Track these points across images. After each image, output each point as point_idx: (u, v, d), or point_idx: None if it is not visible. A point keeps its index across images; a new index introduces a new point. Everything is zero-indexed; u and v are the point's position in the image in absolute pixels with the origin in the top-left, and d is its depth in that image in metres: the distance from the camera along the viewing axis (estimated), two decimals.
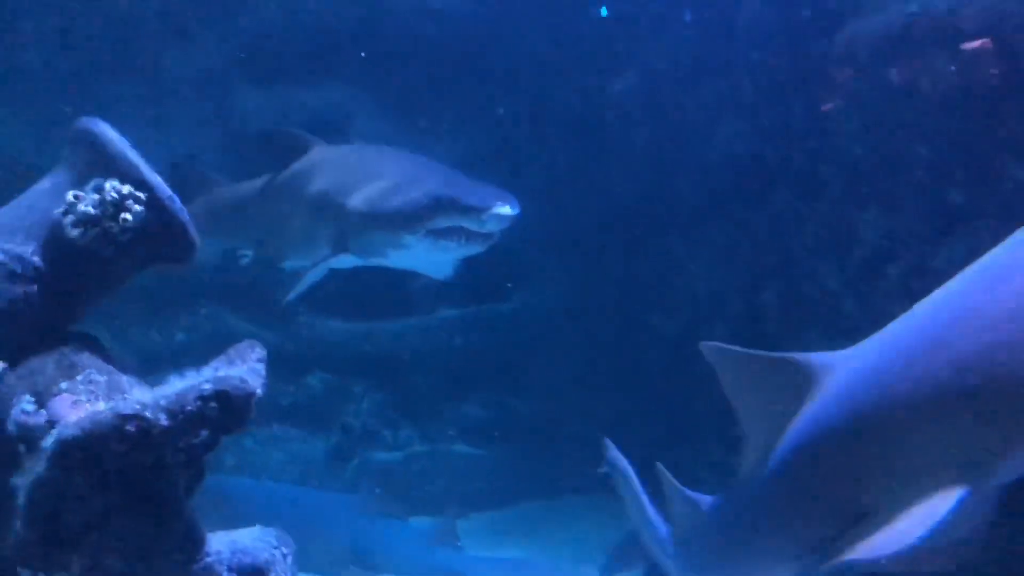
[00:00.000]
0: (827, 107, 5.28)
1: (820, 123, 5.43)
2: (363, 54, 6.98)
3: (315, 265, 5.75)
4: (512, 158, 7.09)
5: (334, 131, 6.93)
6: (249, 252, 6.44)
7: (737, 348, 2.96)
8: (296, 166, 6.04)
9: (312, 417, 6.90)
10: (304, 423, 6.86)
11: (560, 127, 7.01)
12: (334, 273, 7.24)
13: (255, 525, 3.02)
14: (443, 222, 5.18)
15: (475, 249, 5.32)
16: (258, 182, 6.23)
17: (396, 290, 6.73)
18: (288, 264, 6.14)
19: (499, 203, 5.09)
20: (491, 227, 5.11)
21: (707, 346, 3.07)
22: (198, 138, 6.95)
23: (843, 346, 2.79)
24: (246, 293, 7.06)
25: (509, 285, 7.02)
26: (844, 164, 5.33)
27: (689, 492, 3.48)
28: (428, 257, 5.50)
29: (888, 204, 4.89)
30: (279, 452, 6.90)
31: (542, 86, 7.01)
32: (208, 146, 6.98)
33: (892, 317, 2.66)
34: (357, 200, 5.47)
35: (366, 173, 5.65)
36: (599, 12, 6.90)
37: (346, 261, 5.75)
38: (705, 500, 3.44)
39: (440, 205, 5.16)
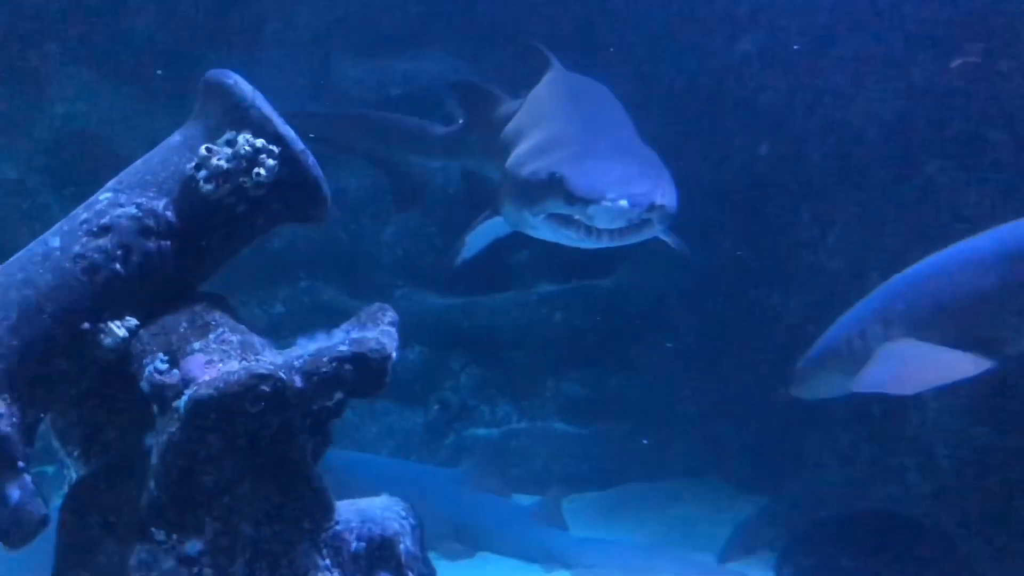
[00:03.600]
0: (998, 63, 4.81)
1: (987, 82, 4.96)
2: (463, 24, 6.83)
3: (474, 227, 4.85)
4: None
5: (432, 104, 6.81)
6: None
7: None
8: (532, 92, 5.09)
9: (410, 391, 6.84)
10: (401, 396, 6.80)
11: (672, 94, 6.73)
12: (430, 246, 7.15)
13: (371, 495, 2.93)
14: (555, 207, 4.08)
15: (602, 244, 4.11)
16: (517, 104, 5.24)
17: (495, 264, 6.58)
18: None
19: (611, 194, 3.82)
20: (600, 223, 3.95)
21: None
22: (296, 108, 6.92)
23: None
24: (345, 266, 7.03)
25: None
26: (1018, 127, 4.86)
27: None
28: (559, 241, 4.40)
29: None
30: (375, 425, 6.88)
31: (653, 52, 6.73)
32: None
33: None
34: (512, 158, 4.42)
35: (538, 122, 4.61)
36: None
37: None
38: None
39: (552, 184, 4.05)
